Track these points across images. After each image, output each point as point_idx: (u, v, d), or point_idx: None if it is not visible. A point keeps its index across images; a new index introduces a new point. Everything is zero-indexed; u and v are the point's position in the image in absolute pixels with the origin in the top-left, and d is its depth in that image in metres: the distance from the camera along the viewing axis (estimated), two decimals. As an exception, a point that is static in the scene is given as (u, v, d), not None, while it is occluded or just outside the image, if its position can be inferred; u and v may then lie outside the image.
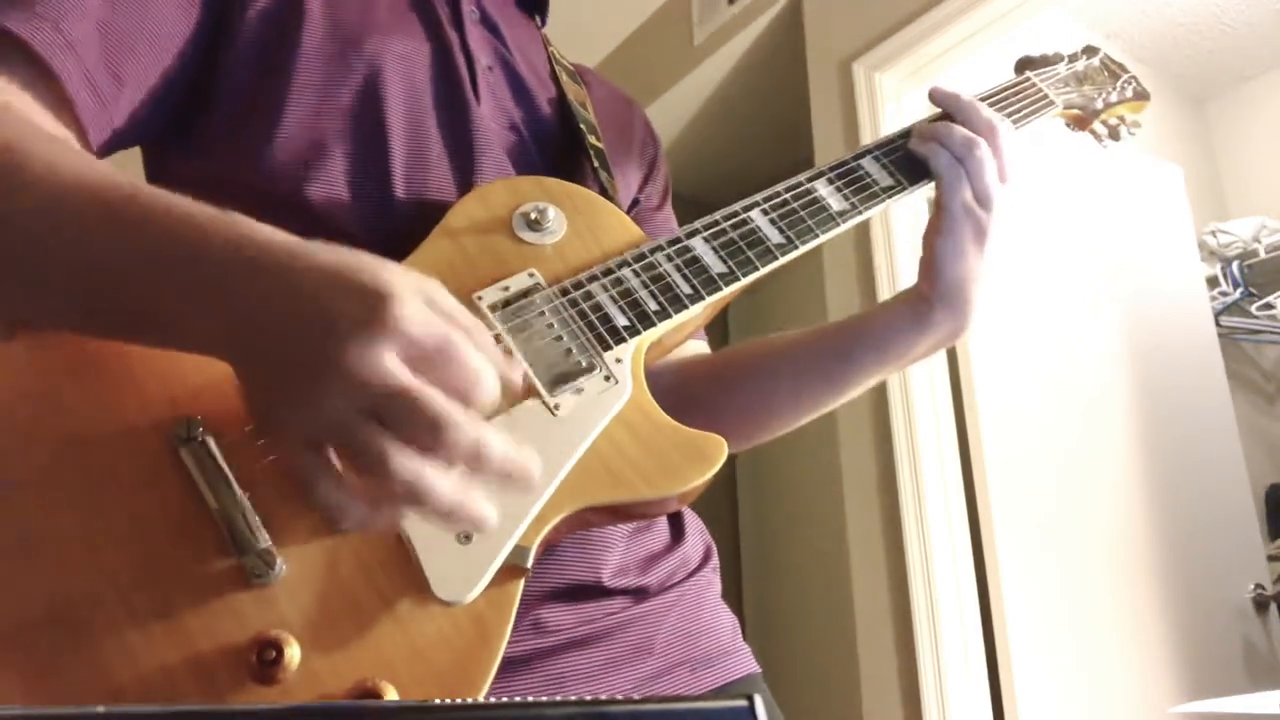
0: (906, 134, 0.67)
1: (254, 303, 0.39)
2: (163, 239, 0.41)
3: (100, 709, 0.25)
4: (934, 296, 0.63)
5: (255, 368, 0.39)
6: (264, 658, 0.38)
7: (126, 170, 0.54)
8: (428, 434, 0.36)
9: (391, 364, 0.36)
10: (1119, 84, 0.82)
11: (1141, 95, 0.82)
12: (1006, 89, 0.74)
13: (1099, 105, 0.80)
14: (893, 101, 1.95)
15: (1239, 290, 2.45)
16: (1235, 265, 2.46)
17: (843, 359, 0.67)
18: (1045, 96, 0.75)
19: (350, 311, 0.36)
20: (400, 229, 0.56)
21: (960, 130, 0.64)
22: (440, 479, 0.36)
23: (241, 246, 0.40)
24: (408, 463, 0.36)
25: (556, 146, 0.68)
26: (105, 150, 0.55)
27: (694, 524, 0.67)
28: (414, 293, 0.37)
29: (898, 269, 1.82)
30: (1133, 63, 2.73)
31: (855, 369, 0.67)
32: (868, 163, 0.65)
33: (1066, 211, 2.06)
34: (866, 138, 1.91)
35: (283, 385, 0.37)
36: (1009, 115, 0.71)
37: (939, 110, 0.69)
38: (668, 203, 0.79)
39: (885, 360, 0.66)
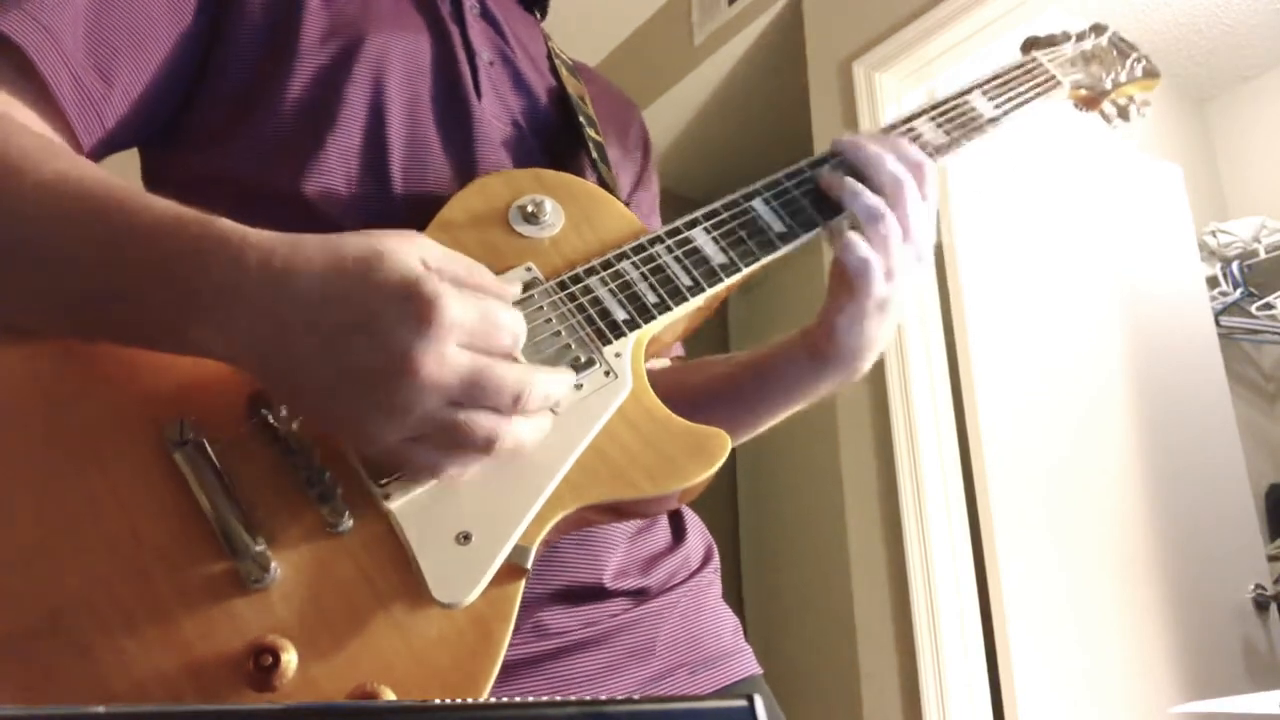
0: (911, 119, 0.66)
1: (263, 321, 0.39)
2: (148, 256, 0.41)
3: (100, 709, 0.24)
4: (829, 355, 0.61)
5: (303, 389, 0.40)
6: (260, 664, 0.37)
7: (125, 167, 0.53)
8: (512, 401, 0.40)
9: (460, 355, 0.39)
10: (1129, 63, 0.79)
11: (1152, 73, 0.79)
12: (1012, 70, 0.72)
13: (1108, 85, 0.77)
14: (893, 102, 1.95)
15: (1239, 290, 2.45)
16: (1235, 265, 2.47)
17: (754, 401, 0.66)
18: (1052, 77, 0.73)
19: (400, 319, 0.38)
20: (399, 225, 0.55)
21: (866, 198, 0.58)
22: (531, 432, 0.42)
23: (235, 259, 0.40)
24: (511, 432, 0.41)
25: (556, 141, 0.68)
26: (98, 152, 0.54)
27: (695, 524, 0.67)
28: (431, 275, 0.39)
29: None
30: (1133, 62, 2.73)
31: (767, 409, 0.67)
32: None
33: (1066, 211, 2.05)
34: (866, 137, 1.91)
35: (361, 405, 0.39)
36: (1014, 97, 0.69)
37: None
38: (656, 213, 0.79)
39: (793, 402, 0.66)
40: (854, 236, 0.57)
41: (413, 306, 0.38)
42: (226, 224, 0.41)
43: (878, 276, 0.57)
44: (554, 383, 0.43)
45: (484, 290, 0.42)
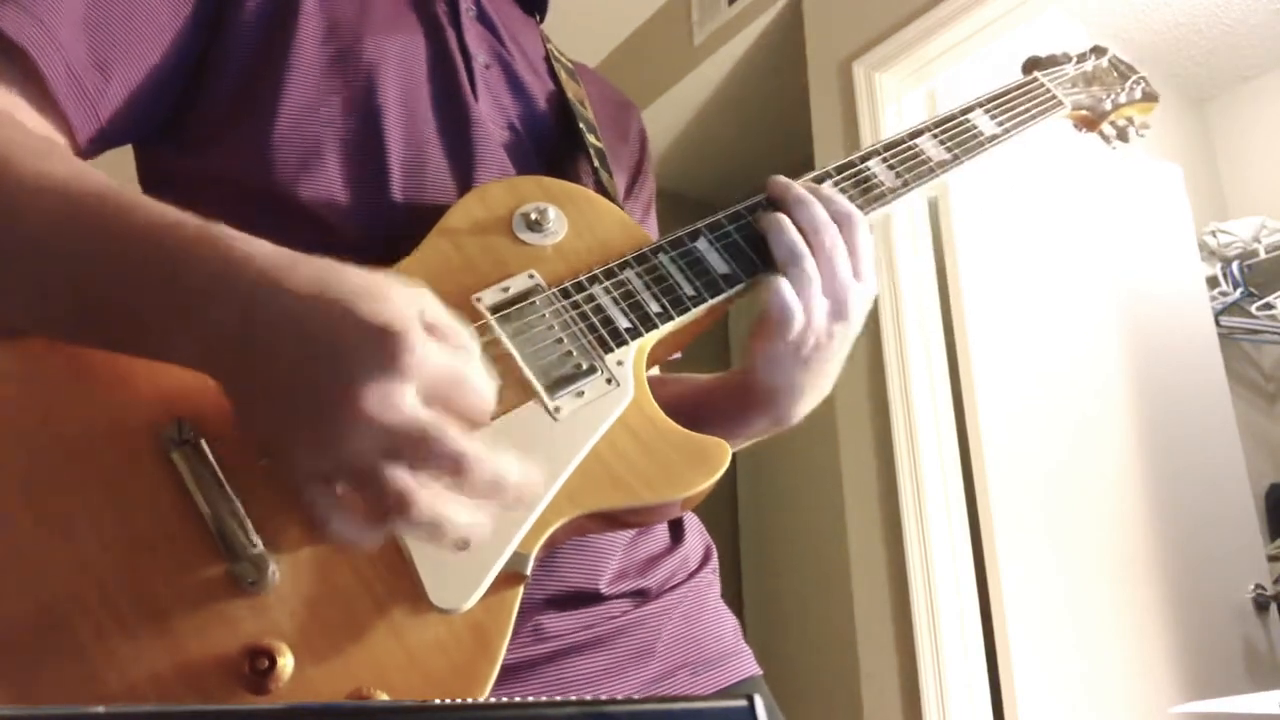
0: (914, 135, 0.66)
1: (242, 329, 0.38)
2: (143, 254, 0.41)
3: (100, 709, 0.24)
4: (751, 394, 0.59)
5: (255, 399, 0.39)
6: (256, 667, 0.37)
7: (122, 166, 0.53)
8: (450, 471, 0.37)
9: (411, 405, 0.36)
10: (1128, 85, 0.81)
11: (1151, 96, 0.81)
12: (1014, 90, 0.73)
13: (1107, 106, 0.79)
14: (893, 101, 1.94)
15: (1239, 290, 2.45)
16: (1235, 265, 2.46)
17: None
18: (1054, 97, 0.74)
19: (365, 352, 0.36)
20: (397, 229, 0.55)
21: (790, 237, 0.55)
22: (459, 511, 0.38)
23: (227, 267, 0.39)
24: (429, 501, 0.37)
25: (555, 145, 0.67)
26: (95, 147, 0.54)
27: (693, 525, 0.67)
28: (418, 324, 0.38)
29: (897, 269, 1.81)
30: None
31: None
32: (874, 164, 0.64)
33: (1067, 211, 2.05)
34: (866, 138, 1.91)
35: (295, 423, 0.37)
36: (1016, 117, 0.70)
37: (945, 119, 0.67)
38: (651, 214, 0.78)
39: (730, 437, 0.62)
40: (780, 282, 0.55)
41: (384, 346, 0.36)
42: (222, 228, 0.41)
43: (795, 323, 0.54)
44: (513, 469, 0.39)
45: (467, 353, 0.40)
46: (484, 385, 0.39)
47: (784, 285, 0.54)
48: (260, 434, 0.40)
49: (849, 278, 0.56)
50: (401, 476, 0.36)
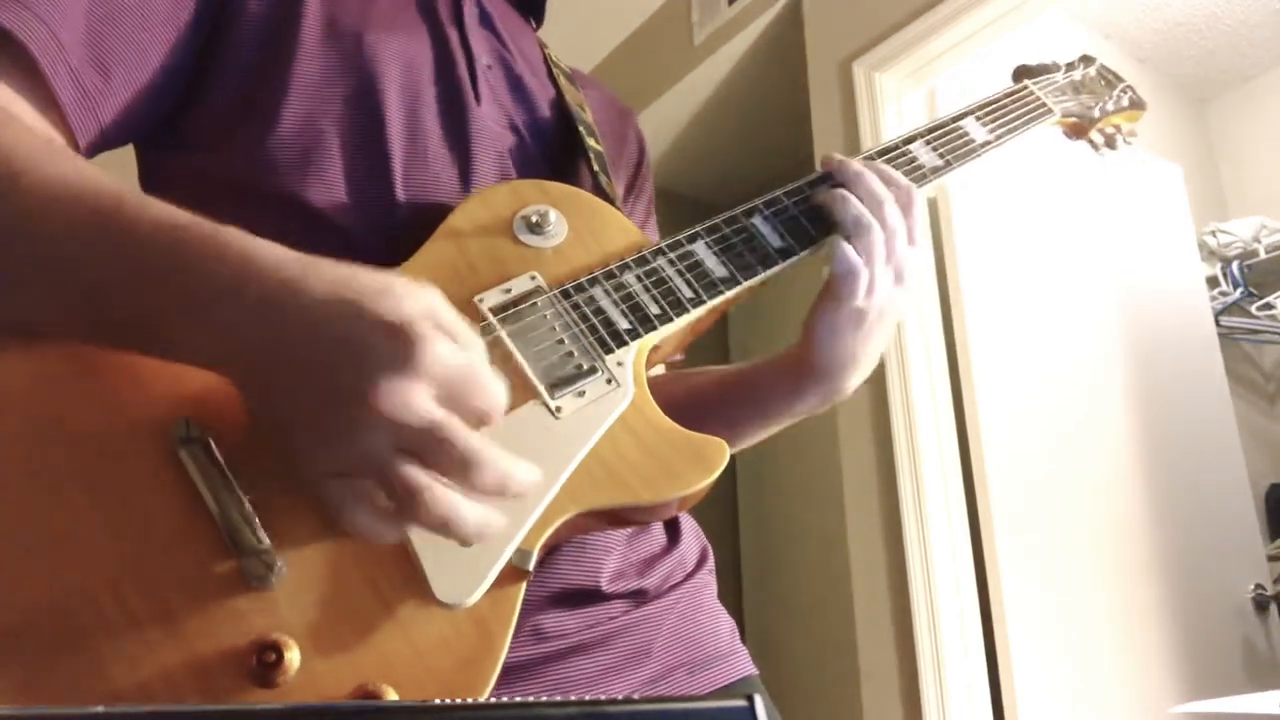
0: (908, 141, 0.67)
1: (261, 329, 0.39)
2: (157, 257, 0.41)
3: (100, 709, 0.25)
4: (808, 368, 0.62)
5: (271, 398, 0.40)
6: (263, 661, 0.38)
7: (124, 167, 0.54)
8: (459, 470, 0.38)
9: (426, 403, 0.38)
10: (1115, 93, 0.83)
11: (1138, 104, 0.83)
12: (1005, 97, 0.74)
13: (1096, 114, 0.81)
14: (893, 102, 1.95)
15: (1239, 290, 2.45)
16: (1235, 265, 2.46)
17: (732, 414, 0.67)
18: (1043, 105, 0.76)
19: (380, 350, 0.37)
20: (401, 229, 0.56)
21: (855, 207, 0.59)
22: (468, 510, 0.39)
23: (241, 266, 0.40)
24: (442, 498, 0.38)
25: (555, 147, 0.68)
26: (94, 148, 0.54)
27: (689, 526, 0.67)
28: (431, 323, 0.39)
29: (898, 269, 1.81)
30: (1133, 63, 2.73)
31: (745, 424, 0.67)
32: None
33: (1067, 211, 2.05)
34: (866, 138, 1.91)
35: (310, 419, 0.38)
36: (1007, 123, 0.71)
37: (944, 121, 0.69)
38: (652, 219, 0.79)
39: (769, 417, 0.66)
40: (844, 245, 0.59)
41: (399, 343, 0.37)
42: (235, 231, 0.42)
43: (861, 285, 0.58)
44: (519, 470, 0.40)
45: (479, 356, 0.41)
46: (496, 385, 0.40)
47: (846, 247, 0.58)
48: (276, 432, 0.41)
49: (906, 245, 0.60)
50: (414, 473, 0.38)
